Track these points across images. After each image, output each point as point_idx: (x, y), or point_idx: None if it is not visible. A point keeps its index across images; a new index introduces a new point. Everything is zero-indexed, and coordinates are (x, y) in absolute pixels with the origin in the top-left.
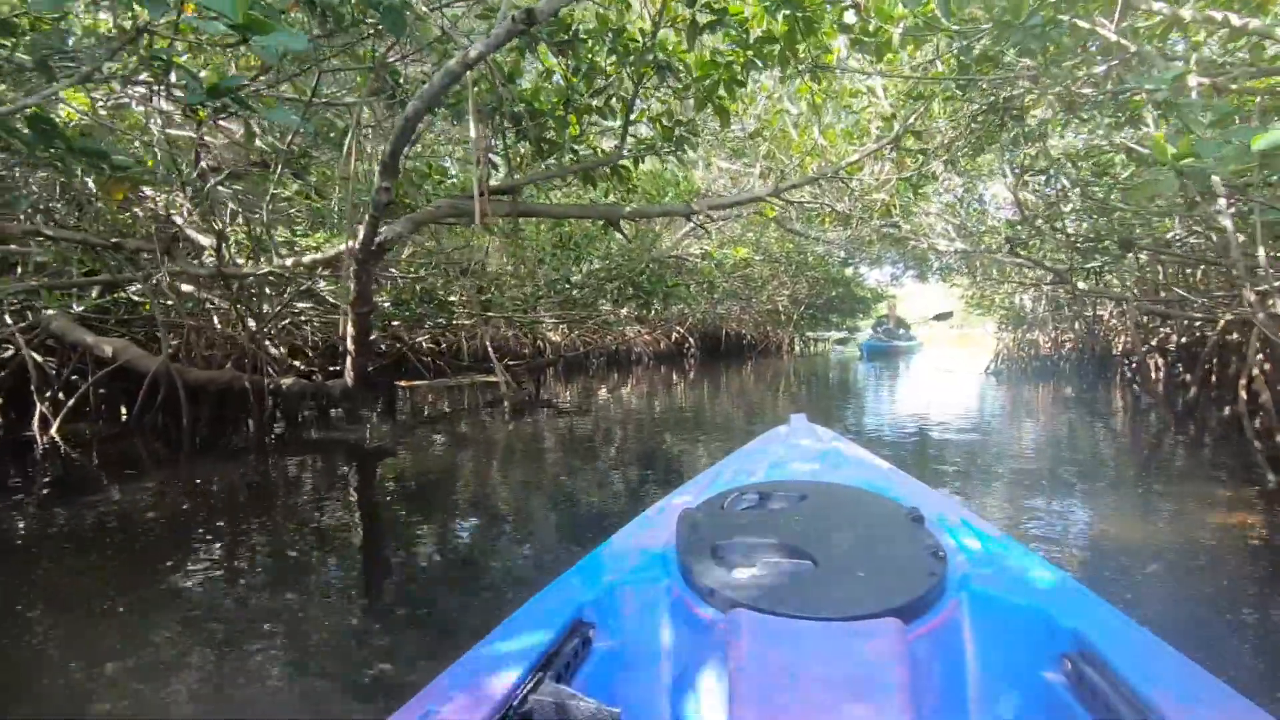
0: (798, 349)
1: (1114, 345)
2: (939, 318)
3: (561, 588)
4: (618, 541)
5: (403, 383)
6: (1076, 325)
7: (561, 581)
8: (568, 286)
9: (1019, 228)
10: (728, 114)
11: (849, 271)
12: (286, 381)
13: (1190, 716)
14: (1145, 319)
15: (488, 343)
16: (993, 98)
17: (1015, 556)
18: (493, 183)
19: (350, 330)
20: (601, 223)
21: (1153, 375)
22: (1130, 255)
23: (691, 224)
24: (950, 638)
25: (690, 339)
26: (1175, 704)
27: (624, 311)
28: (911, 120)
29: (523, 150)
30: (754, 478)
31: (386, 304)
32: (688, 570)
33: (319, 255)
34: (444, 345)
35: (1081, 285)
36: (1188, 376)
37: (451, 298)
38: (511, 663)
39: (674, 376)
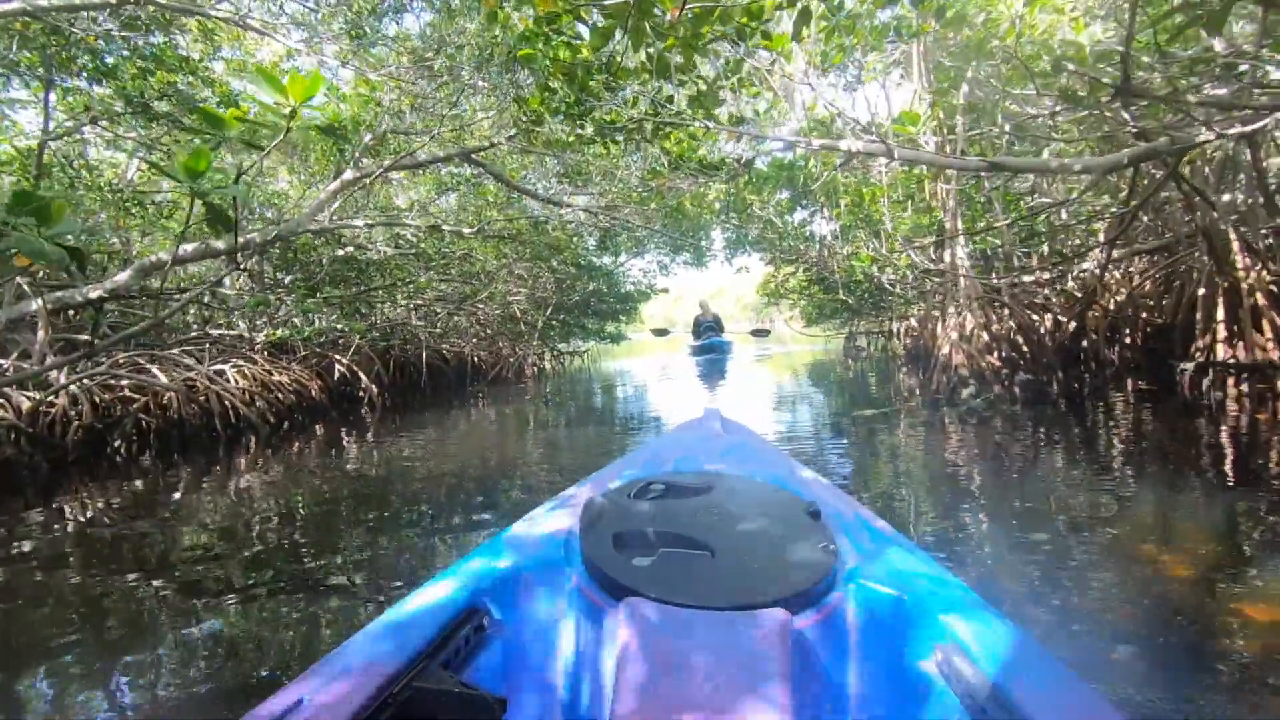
0: (548, 368)
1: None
2: (757, 334)
3: (457, 573)
4: (520, 528)
5: None
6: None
7: (458, 567)
8: None
9: None
10: None
11: (606, 260)
12: None
13: (1044, 706)
14: None
15: None
16: None
17: (902, 552)
18: None
19: None
20: None
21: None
22: None
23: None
24: (834, 628)
25: (364, 376)
26: (1033, 694)
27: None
28: None
29: None
30: (664, 468)
31: None
32: (588, 558)
33: None
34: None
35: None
36: None
37: None
38: (396, 649)
39: (307, 457)
